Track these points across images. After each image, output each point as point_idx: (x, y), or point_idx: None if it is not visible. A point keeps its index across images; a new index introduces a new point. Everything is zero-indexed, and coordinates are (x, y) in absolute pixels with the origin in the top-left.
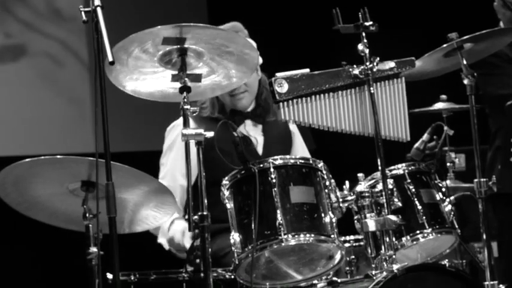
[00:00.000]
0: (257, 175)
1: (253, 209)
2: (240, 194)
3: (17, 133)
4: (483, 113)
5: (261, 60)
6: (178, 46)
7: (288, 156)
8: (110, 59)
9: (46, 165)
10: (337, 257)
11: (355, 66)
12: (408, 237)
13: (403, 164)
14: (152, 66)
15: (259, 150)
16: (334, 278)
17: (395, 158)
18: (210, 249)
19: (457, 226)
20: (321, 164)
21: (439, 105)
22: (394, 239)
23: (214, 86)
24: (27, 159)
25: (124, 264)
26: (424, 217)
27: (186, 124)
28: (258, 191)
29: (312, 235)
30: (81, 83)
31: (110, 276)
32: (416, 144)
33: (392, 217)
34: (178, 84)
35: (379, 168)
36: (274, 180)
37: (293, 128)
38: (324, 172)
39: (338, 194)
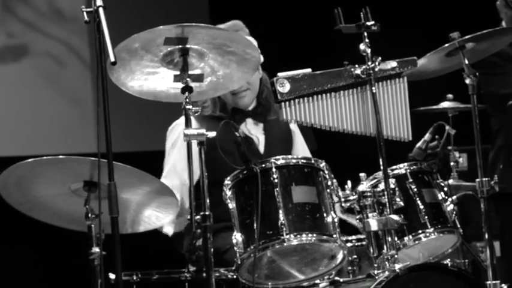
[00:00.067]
0: (259, 175)
1: (256, 209)
2: (242, 194)
3: (19, 133)
4: (485, 113)
5: (262, 59)
6: (180, 46)
7: (290, 156)
8: (112, 59)
9: (48, 166)
10: (339, 256)
11: (357, 66)
12: (410, 236)
13: (405, 164)
14: (154, 66)
15: (261, 149)
16: (336, 278)
17: (397, 158)
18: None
19: (459, 225)
20: (323, 164)
21: (444, 104)
22: (396, 239)
23: (217, 85)
24: (29, 160)
25: (126, 264)
26: (426, 217)
27: (188, 124)
28: (260, 191)
29: (314, 235)
30: (83, 83)
31: (112, 276)
32: (418, 144)
33: (395, 217)
34: (180, 85)
35: (381, 167)
36: (276, 180)
37: (293, 127)
38: (326, 172)
39: (340, 193)
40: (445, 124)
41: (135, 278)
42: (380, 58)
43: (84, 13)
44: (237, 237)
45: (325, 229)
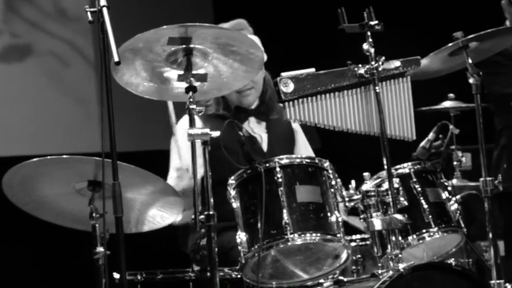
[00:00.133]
0: (263, 174)
1: (260, 208)
2: (246, 193)
3: (23, 133)
4: (489, 112)
5: (265, 57)
6: (184, 46)
7: (294, 156)
8: (116, 59)
9: (53, 165)
10: (343, 256)
11: (360, 65)
12: (414, 236)
13: (409, 163)
14: (158, 66)
15: (264, 147)
16: (341, 277)
17: (401, 157)
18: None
19: (463, 225)
20: (327, 164)
21: (446, 104)
22: (400, 238)
23: (221, 85)
24: (33, 159)
25: (131, 264)
26: (430, 216)
27: (192, 124)
28: (264, 190)
29: (318, 234)
30: (87, 82)
31: (116, 275)
32: (422, 143)
33: (399, 216)
34: (184, 84)
35: (385, 167)
36: (280, 180)
37: (296, 126)
38: (330, 171)
39: (344, 193)
40: (448, 123)
41: (139, 277)
42: (383, 58)
43: (88, 13)
44: (241, 236)
45: (329, 229)
